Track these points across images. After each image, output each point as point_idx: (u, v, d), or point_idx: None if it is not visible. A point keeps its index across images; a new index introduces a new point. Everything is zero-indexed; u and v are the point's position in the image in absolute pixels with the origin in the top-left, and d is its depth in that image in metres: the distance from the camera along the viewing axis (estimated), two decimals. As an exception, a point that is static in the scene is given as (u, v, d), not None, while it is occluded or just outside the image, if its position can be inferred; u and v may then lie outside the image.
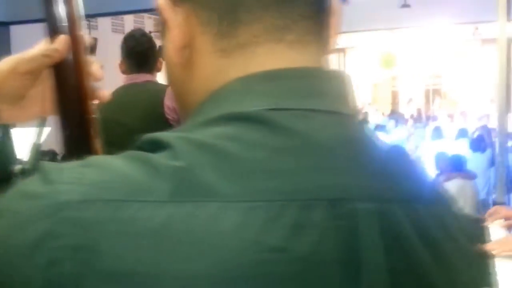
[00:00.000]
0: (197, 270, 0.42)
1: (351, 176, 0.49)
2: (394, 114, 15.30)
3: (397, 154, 0.55)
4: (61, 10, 0.72)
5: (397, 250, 0.49)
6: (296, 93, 0.52)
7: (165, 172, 0.45)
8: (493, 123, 14.10)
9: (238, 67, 0.53)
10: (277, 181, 0.46)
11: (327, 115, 0.52)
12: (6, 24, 6.50)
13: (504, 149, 3.88)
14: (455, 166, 5.65)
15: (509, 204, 3.84)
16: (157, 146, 0.47)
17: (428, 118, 15.19)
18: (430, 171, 6.34)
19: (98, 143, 0.76)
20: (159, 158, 0.46)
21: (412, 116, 14.62)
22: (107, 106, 1.20)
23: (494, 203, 3.49)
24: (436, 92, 20.21)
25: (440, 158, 5.98)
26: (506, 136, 3.86)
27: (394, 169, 0.53)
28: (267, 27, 0.52)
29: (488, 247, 1.99)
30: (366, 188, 0.49)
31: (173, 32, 0.55)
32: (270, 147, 0.47)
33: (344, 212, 0.47)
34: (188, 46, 0.55)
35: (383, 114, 16.13)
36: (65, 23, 0.72)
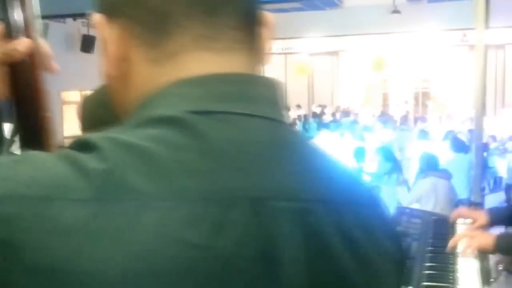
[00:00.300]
0: (118, 265, 0.44)
1: (273, 177, 0.52)
2: (384, 116, 15.57)
3: (325, 158, 0.59)
4: (17, 13, 0.75)
5: (317, 248, 0.52)
6: (223, 96, 0.54)
7: (90, 172, 0.46)
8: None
9: (169, 74, 0.55)
10: (198, 181, 0.48)
11: (253, 119, 0.54)
12: None
13: (481, 152, 4.08)
14: (428, 165, 5.90)
15: (483, 205, 3.99)
16: (86, 147, 0.49)
17: (416, 120, 15.45)
18: (415, 170, 6.56)
19: (52, 139, 0.78)
20: (86, 158, 0.47)
21: (401, 118, 14.88)
22: (91, 103, 1.32)
23: (470, 203, 3.69)
24: (425, 95, 20.52)
25: (421, 158, 6.24)
26: (481, 138, 4.06)
27: (318, 172, 0.56)
28: (195, 37, 0.55)
29: (457, 240, 2.23)
30: (287, 188, 0.52)
31: (110, 46, 0.58)
32: (192, 149, 0.49)
33: (264, 211, 0.49)
34: (123, 59, 0.57)
35: (373, 115, 16.36)
36: (21, 25, 0.75)
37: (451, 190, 5.72)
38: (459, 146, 7.01)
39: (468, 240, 2.06)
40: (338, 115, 16.25)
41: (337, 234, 0.53)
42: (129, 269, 0.44)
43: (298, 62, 19.36)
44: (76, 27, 11.63)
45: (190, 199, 0.47)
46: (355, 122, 13.06)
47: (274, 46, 19.18)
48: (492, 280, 2.37)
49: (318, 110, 17.34)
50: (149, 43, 0.56)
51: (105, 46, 0.58)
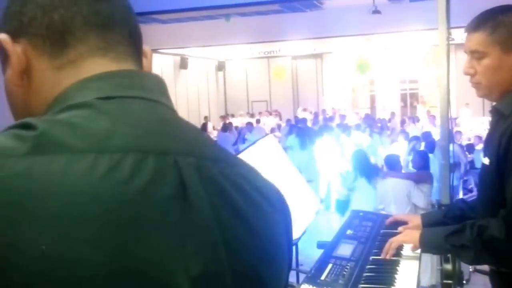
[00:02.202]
0: (54, 206, 0.57)
1: (171, 140, 0.67)
2: (368, 118, 15.43)
3: (199, 131, 0.76)
4: None
5: (214, 190, 0.67)
6: (119, 86, 0.69)
7: (25, 137, 0.60)
8: (462, 127, 14.33)
9: (71, 77, 0.70)
10: (115, 140, 0.62)
11: (144, 101, 0.69)
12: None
13: (448, 152, 3.92)
14: (388, 165, 5.95)
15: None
16: (26, 127, 0.62)
17: (403, 121, 15.31)
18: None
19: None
20: (24, 131, 0.61)
21: (382, 121, 14.77)
22: None
23: (440, 205, 3.50)
24: (413, 96, 20.39)
25: (384, 160, 6.37)
26: (447, 138, 3.90)
27: (202, 139, 0.73)
28: (91, 47, 0.71)
29: (389, 246, 2.06)
30: (183, 148, 0.67)
31: (13, 60, 0.70)
32: (104, 120, 0.64)
33: (169, 162, 0.65)
34: (26, 71, 0.71)
35: (360, 118, 16.25)
36: None
37: (410, 190, 5.59)
38: (433, 148, 6.88)
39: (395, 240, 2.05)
40: (321, 120, 16.06)
41: (227, 183, 0.69)
42: (63, 209, 0.57)
43: (276, 66, 19.26)
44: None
45: (110, 151, 0.61)
46: (340, 125, 12.84)
47: (256, 50, 19.14)
48: (464, 282, 2.41)
49: (302, 115, 17.18)
50: (52, 54, 0.70)
51: (8, 61, 0.71)
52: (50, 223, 0.56)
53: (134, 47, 0.75)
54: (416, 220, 2.27)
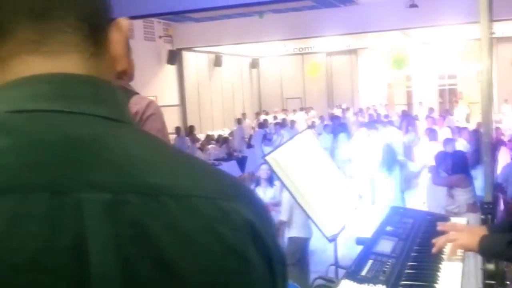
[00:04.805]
0: None
1: (81, 171, 0.53)
2: (406, 115, 15.21)
3: (163, 153, 0.60)
4: None
5: (132, 236, 0.52)
6: (38, 96, 0.57)
7: None
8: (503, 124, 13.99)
9: (1, 78, 0.59)
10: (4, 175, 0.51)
11: (67, 115, 0.56)
12: None
13: (490, 148, 3.83)
14: (453, 165, 5.64)
15: (496, 205, 3.77)
16: None
17: (443, 117, 15.04)
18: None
19: None
20: None
21: (427, 117, 14.53)
22: None
23: (482, 202, 3.42)
24: (452, 92, 20.03)
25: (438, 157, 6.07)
26: (489, 134, 3.81)
27: (138, 165, 0.56)
28: (21, 41, 0.58)
29: (441, 242, 2.04)
30: (98, 180, 0.52)
31: None
32: (4, 143, 0.53)
33: (68, 203, 0.51)
34: None
35: (397, 114, 16.06)
36: None
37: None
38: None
39: (452, 240, 1.99)
40: (357, 116, 15.93)
41: (158, 221, 0.53)
42: None
43: (310, 63, 19.17)
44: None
45: None
46: (375, 122, 12.67)
47: (290, 46, 19.09)
48: (508, 282, 2.42)
49: (338, 112, 17.08)
50: None
51: None
52: None
53: (89, 32, 0.61)
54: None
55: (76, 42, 0.60)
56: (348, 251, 3.68)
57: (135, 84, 2.26)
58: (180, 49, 16.38)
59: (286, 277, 0.63)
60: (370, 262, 1.86)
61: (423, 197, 6.74)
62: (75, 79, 0.60)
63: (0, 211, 0.49)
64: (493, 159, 4.19)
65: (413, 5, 11.99)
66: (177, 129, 13.49)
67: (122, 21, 0.66)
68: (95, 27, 0.62)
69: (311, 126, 14.71)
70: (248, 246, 0.57)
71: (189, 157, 0.63)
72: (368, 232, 2.22)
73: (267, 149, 9.05)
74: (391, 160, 6.53)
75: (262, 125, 14.19)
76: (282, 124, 14.23)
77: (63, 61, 0.60)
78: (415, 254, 1.99)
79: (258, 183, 5.95)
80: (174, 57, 16.15)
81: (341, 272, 1.93)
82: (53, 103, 0.57)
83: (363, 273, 1.77)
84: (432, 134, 9.18)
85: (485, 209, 3.04)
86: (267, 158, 2.35)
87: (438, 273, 1.84)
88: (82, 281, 0.50)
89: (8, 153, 0.52)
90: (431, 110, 16.18)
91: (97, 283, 0.50)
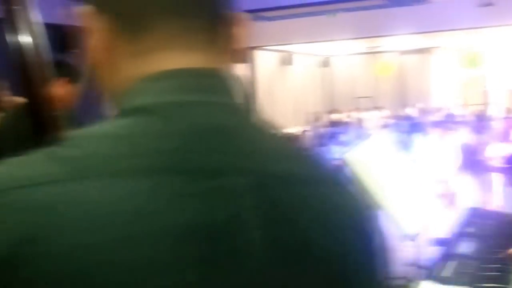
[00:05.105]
0: (94, 233, 0.52)
1: (230, 156, 0.60)
2: (481, 115, 14.71)
3: (280, 140, 0.68)
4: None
5: (273, 214, 0.59)
6: (182, 88, 0.63)
7: (62, 160, 0.55)
8: None
9: (142, 68, 0.64)
10: (163, 159, 0.56)
11: (208, 106, 0.62)
12: None
13: None
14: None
15: None
16: (65, 142, 0.58)
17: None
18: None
19: (56, 134, 1.02)
20: (62, 150, 0.57)
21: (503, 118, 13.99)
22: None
23: None
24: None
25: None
26: None
27: (273, 152, 0.64)
28: (168, 36, 0.64)
29: None
30: (243, 165, 0.60)
31: (98, 36, 0.66)
32: (158, 132, 0.58)
33: (224, 184, 0.57)
34: (109, 49, 0.65)
35: (472, 114, 15.56)
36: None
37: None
38: None
39: None
40: (429, 117, 15.54)
41: (291, 204, 0.60)
42: (103, 235, 0.52)
43: (382, 62, 18.83)
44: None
45: (155, 173, 0.55)
46: (449, 122, 12.33)
47: (361, 45, 18.83)
48: None
49: (411, 112, 16.71)
50: (128, 39, 0.64)
51: (93, 36, 0.66)
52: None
53: (215, 30, 0.67)
54: None
55: (206, 40, 0.66)
56: (420, 251, 3.64)
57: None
58: (253, 48, 16.51)
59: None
60: (451, 263, 1.86)
61: (499, 199, 6.56)
62: (209, 74, 0.66)
63: (172, 188, 0.55)
64: None
65: (488, 3, 11.58)
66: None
67: (242, 16, 0.71)
68: (219, 25, 0.67)
69: (385, 125, 14.50)
70: (372, 228, 0.68)
71: (295, 146, 0.72)
72: (446, 233, 2.21)
73: (335, 148, 9.00)
74: (470, 160, 6.41)
75: (334, 124, 14.10)
76: (354, 123, 14.10)
77: (198, 56, 0.65)
78: (496, 256, 1.98)
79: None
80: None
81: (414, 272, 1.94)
82: (198, 95, 0.63)
83: (445, 274, 1.78)
84: (504, 135, 8.92)
85: None
86: (345, 156, 2.37)
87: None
88: (235, 252, 0.56)
89: (173, 137, 0.58)
90: (508, 110, 15.59)
91: (248, 256, 0.57)
